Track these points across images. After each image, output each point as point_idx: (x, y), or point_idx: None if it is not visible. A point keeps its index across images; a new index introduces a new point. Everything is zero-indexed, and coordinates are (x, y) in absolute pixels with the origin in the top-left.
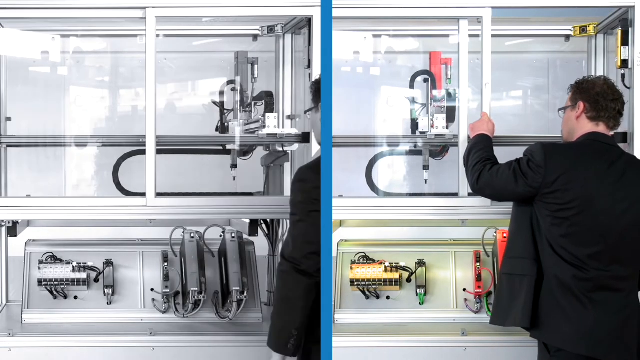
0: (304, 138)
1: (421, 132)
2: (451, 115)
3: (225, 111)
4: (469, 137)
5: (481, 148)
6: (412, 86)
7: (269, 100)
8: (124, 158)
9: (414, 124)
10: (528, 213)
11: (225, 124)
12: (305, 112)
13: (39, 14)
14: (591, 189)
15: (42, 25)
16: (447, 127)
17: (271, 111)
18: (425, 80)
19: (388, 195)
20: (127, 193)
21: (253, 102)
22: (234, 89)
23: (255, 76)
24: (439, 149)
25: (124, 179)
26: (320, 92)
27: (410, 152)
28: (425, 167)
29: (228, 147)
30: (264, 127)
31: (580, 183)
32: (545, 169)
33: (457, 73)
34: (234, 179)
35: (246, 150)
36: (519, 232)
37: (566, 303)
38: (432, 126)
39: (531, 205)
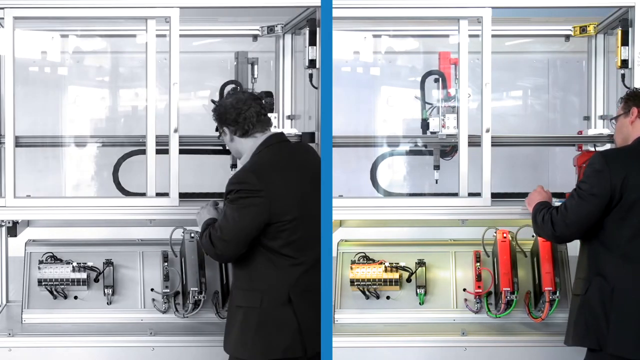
0: (304, 138)
1: (432, 132)
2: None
3: None
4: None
5: (542, 208)
6: (422, 86)
7: (269, 101)
8: (124, 158)
9: (425, 124)
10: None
11: None
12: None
13: (39, 14)
14: None
15: (42, 25)
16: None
17: (271, 111)
18: (436, 80)
19: (389, 195)
20: (127, 193)
21: None
22: (234, 89)
23: (255, 76)
24: (449, 148)
25: (124, 178)
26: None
27: (418, 152)
28: (436, 167)
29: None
30: None
31: None
32: (610, 172)
33: (457, 73)
34: None
35: None
36: (581, 251)
37: (628, 307)
38: (443, 126)
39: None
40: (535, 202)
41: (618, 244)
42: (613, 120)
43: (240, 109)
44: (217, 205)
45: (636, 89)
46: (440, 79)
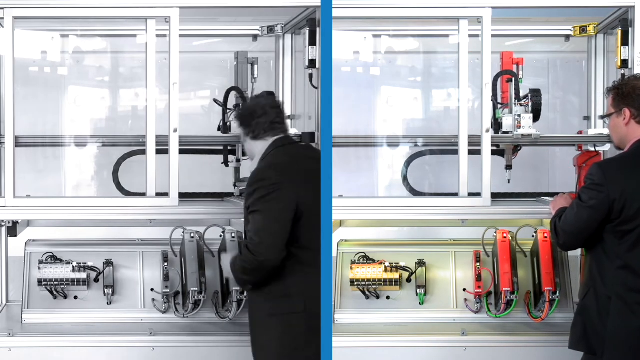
0: (304, 138)
1: (504, 132)
2: (536, 115)
3: (228, 110)
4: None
5: (556, 216)
6: (494, 86)
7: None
8: (124, 158)
9: (497, 124)
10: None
11: (228, 123)
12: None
13: (39, 14)
14: None
15: (42, 25)
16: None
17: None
18: (509, 80)
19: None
20: (127, 193)
21: None
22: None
23: (255, 76)
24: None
25: (124, 179)
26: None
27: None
28: (508, 167)
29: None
30: None
31: None
32: (609, 186)
33: (458, 73)
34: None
35: None
36: (585, 256)
37: (624, 317)
38: (517, 126)
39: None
40: (558, 208)
41: (618, 254)
42: (606, 119)
43: (256, 113)
44: None
45: (622, 80)
46: (513, 79)
